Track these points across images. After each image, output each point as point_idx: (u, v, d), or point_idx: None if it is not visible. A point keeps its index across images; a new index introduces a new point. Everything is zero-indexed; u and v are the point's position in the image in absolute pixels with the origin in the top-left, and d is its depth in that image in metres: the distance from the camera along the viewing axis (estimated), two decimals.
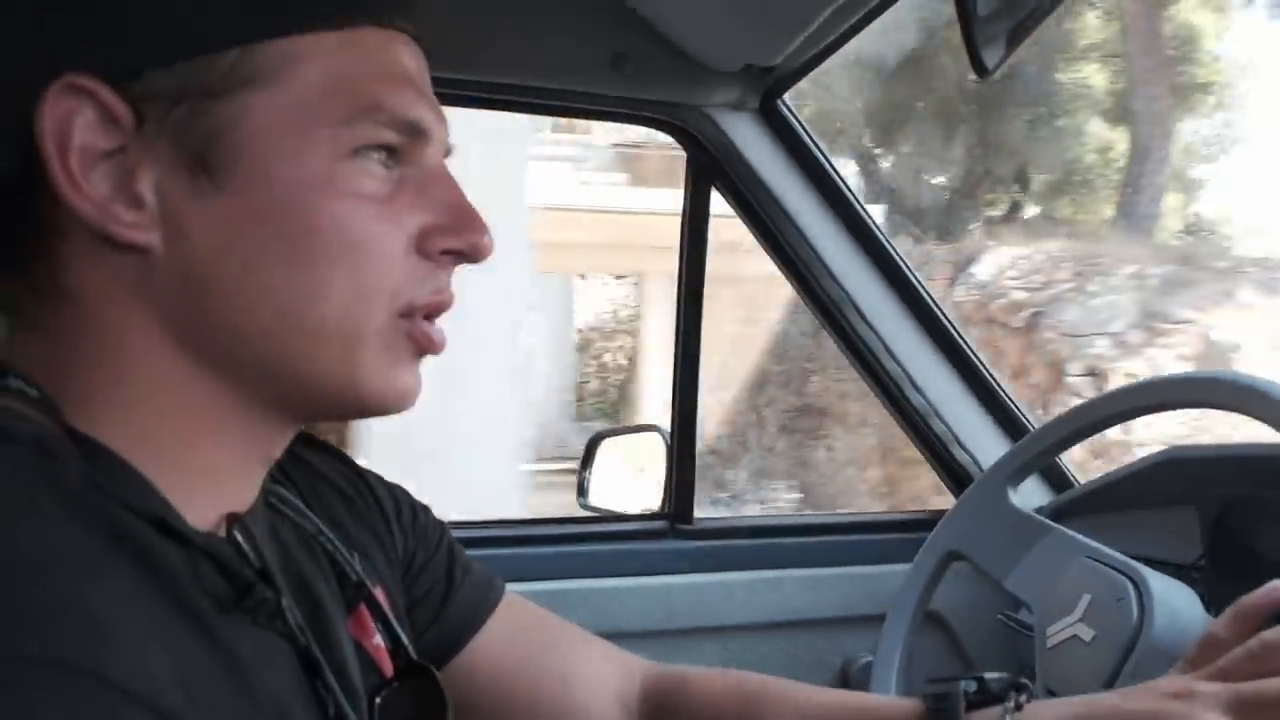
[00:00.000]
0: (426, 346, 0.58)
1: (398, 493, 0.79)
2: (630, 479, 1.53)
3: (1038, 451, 1.11)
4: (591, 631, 0.87)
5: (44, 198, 0.50)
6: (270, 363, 0.54)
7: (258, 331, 0.53)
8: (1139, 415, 1.04)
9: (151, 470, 0.52)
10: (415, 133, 0.56)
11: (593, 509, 1.53)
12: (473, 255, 0.58)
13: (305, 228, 0.52)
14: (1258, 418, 0.86)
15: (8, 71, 0.50)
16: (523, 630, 0.82)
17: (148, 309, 0.52)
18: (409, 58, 0.56)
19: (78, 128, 0.49)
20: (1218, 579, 1.12)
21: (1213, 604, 1.10)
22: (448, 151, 0.60)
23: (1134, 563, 0.92)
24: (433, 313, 0.58)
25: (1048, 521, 1.05)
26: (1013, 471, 1.12)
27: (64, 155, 0.49)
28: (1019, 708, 0.67)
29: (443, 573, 0.79)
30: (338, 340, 0.54)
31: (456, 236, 0.57)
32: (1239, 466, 1.07)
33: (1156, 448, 1.18)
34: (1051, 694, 0.89)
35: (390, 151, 0.55)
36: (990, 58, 0.83)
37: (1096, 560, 0.94)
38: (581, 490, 1.57)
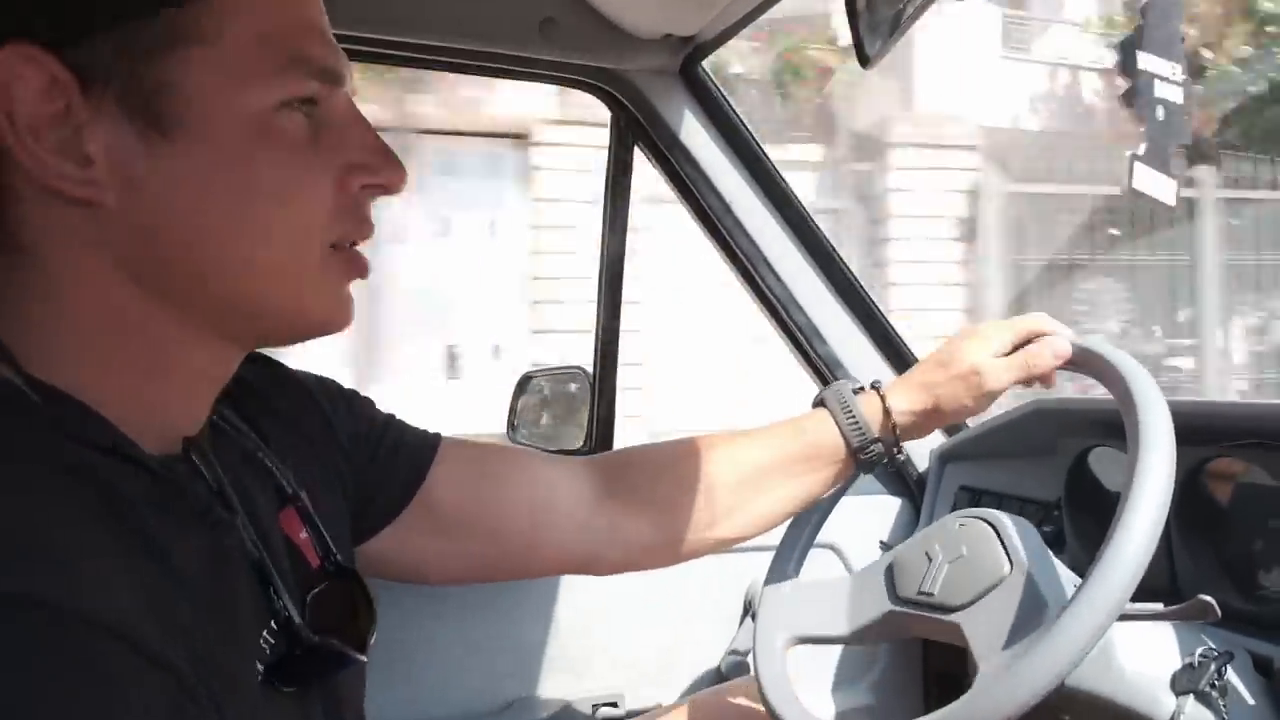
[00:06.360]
0: (359, 272, 0.64)
1: (329, 385, 0.86)
2: (556, 416, 1.62)
3: None
4: None
5: None
6: (225, 297, 0.59)
7: (213, 270, 0.58)
8: None
9: (108, 406, 0.56)
10: (333, 80, 0.60)
11: (521, 444, 1.63)
12: (391, 189, 0.64)
13: (248, 176, 0.57)
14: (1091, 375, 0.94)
15: None
16: (472, 457, 0.92)
17: (103, 256, 0.56)
18: (317, 11, 0.61)
19: (24, 93, 0.52)
20: (1074, 515, 1.24)
21: (1070, 537, 1.23)
22: (352, 92, 0.65)
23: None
24: (358, 241, 0.65)
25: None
26: None
27: (11, 119, 0.52)
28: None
29: (388, 433, 0.88)
30: (284, 274, 0.60)
31: (375, 174, 0.63)
32: (1093, 419, 1.19)
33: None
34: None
35: (309, 100, 0.59)
36: (871, 47, 0.90)
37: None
38: (511, 426, 1.66)
